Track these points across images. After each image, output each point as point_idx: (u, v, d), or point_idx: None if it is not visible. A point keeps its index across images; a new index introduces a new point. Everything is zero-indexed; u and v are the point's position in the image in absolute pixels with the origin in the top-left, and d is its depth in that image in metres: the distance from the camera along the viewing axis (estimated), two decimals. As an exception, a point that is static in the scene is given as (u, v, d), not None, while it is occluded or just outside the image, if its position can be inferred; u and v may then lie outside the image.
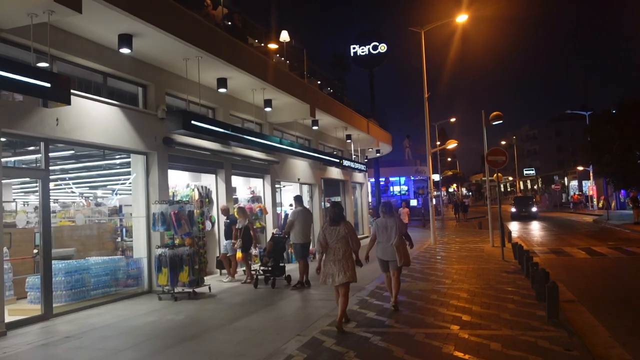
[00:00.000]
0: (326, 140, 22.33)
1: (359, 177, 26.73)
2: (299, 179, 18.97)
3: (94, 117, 9.96)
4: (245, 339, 7.26)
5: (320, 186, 21.17)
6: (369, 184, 34.03)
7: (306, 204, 20.47)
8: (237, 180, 15.94)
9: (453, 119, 46.82)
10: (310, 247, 14.69)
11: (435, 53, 78.31)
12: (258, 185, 16.75)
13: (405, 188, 56.83)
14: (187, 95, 12.56)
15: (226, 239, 12.94)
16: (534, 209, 40.91)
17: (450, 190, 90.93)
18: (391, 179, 51.23)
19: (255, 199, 16.45)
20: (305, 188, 20.67)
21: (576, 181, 64.89)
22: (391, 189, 56.35)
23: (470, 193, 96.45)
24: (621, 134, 30.47)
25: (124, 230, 12.47)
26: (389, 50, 35.45)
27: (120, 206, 12.36)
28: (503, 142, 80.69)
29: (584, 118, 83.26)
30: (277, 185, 18.40)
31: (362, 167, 23.81)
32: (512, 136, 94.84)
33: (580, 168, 53.26)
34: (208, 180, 14.29)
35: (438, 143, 38.39)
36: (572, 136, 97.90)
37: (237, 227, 12.55)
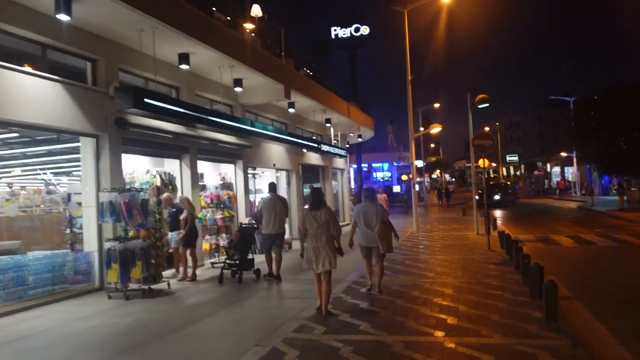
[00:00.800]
0: (304, 124, 21.20)
1: (339, 162, 25.69)
2: (274, 165, 17.86)
3: (29, 93, 8.71)
4: (193, 352, 6.18)
5: (298, 172, 20.09)
6: (350, 169, 33.09)
7: (283, 191, 19.42)
8: (205, 166, 14.78)
9: (437, 105, 45.83)
10: (286, 235, 13.67)
11: (419, 35, 77.35)
12: (229, 171, 15.60)
13: (389, 174, 56.06)
14: (145, 73, 11.31)
15: (171, 230, 11.51)
16: (497, 197, 39.12)
17: (434, 176, 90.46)
18: (374, 164, 50.34)
19: (226, 185, 15.31)
20: (283, 174, 19.57)
21: (559, 167, 64.69)
22: (374, 175, 55.53)
23: (453, 179, 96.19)
24: (607, 121, 29.82)
25: (77, 221, 11.24)
26: (371, 33, 34.32)
27: (69, 194, 11.10)
28: (487, 128, 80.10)
29: (567, 105, 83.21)
30: (251, 172, 17.30)
31: (343, 152, 22.75)
32: (495, 122, 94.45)
33: (563, 154, 52.76)
34: (172, 165, 13.11)
35: (422, 128, 37.45)
36: (555, 123, 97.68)
37: (181, 217, 11.28)
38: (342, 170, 26.82)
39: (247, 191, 15.66)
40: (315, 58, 39.07)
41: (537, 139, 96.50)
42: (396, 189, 48.79)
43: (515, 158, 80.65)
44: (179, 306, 8.84)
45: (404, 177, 38.68)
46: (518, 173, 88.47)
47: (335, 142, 25.36)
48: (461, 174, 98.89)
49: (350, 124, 23.68)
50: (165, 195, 11.39)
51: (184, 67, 11.84)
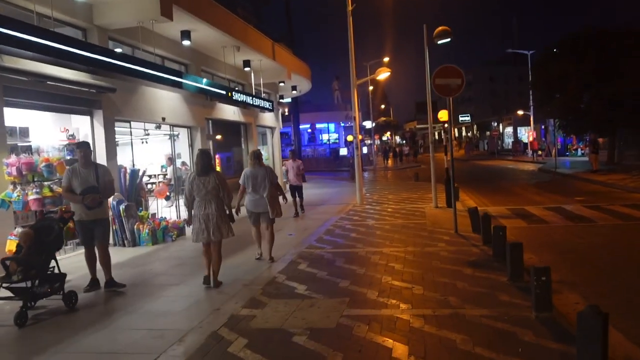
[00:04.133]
0: (214, 66, 16.21)
1: (267, 119, 20.90)
2: (163, 119, 12.96)
3: None
4: None
5: (205, 130, 15.26)
6: (284, 128, 28.46)
7: (185, 155, 14.61)
8: (38, 117, 9.81)
9: (386, 59, 41.20)
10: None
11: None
12: (83, 126, 10.67)
13: (336, 136, 51.63)
14: None
15: None
16: None
17: (384, 138, 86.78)
18: (318, 125, 45.66)
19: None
20: (183, 133, 14.71)
21: (511, 127, 62.15)
22: (320, 137, 50.97)
23: (404, 141, 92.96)
24: (577, 70, 26.16)
25: None
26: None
27: None
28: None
29: (518, 63, 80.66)
30: (164, 132, 12.57)
31: (267, 104, 17.92)
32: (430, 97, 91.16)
33: (520, 112, 49.77)
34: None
35: (369, 80, 32.94)
36: (506, 81, 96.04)
37: None
38: (272, 129, 22.09)
39: (112, 155, 10.78)
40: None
41: (489, 99, 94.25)
42: (343, 151, 44.45)
43: (468, 118, 77.80)
44: None
45: (350, 138, 34.30)
46: (470, 134, 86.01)
47: (263, 93, 20.51)
48: (412, 136, 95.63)
49: (278, 70, 18.83)
50: None
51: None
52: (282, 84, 20.72)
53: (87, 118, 10.59)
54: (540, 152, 44.77)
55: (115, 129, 11.48)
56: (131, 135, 12.31)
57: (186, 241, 11.02)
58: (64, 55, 8.69)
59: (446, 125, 18.59)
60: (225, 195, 7.01)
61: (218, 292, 6.59)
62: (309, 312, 5.61)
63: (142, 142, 14.47)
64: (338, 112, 46.59)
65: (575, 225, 11.36)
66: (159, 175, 13.81)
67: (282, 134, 44.77)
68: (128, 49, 12.16)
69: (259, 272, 7.68)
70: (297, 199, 14.45)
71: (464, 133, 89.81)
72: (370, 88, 51.14)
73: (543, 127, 48.94)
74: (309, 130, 47.88)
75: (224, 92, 14.13)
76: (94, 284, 6.95)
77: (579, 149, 41.95)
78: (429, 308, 5.56)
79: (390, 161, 48.77)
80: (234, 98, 14.76)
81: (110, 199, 10.40)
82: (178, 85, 12.07)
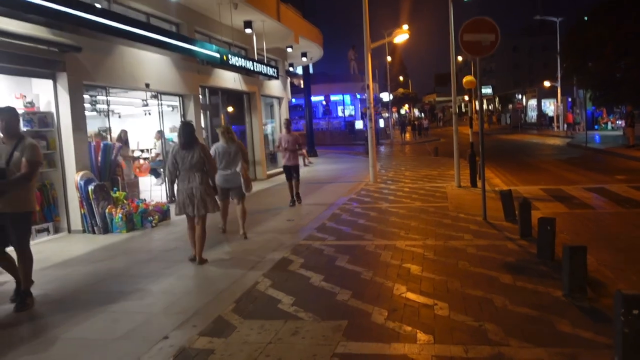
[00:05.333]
0: (211, 28, 14.44)
1: (274, 88, 19.14)
2: (147, 85, 11.31)
3: None
4: None
5: (199, 98, 13.59)
6: (298, 100, 26.75)
7: (168, 126, 13.02)
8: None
9: (405, 26, 38.53)
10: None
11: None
12: (45, 91, 9.08)
13: (352, 108, 49.53)
14: None
15: None
16: None
17: (402, 111, 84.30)
18: (332, 97, 43.60)
19: (40, 119, 8.89)
20: (174, 102, 13.08)
21: (535, 100, 59.43)
22: (338, 110, 48.91)
23: (422, 114, 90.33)
24: (614, 34, 23.79)
25: None
26: None
27: None
28: (460, 58, 73.87)
29: (544, 32, 77.07)
30: (116, 96, 10.97)
31: (272, 70, 16.10)
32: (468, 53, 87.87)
33: (547, 84, 47.12)
34: None
35: (386, 45, 30.96)
36: (530, 53, 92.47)
37: None
38: (279, 99, 20.31)
39: (78, 127, 9.19)
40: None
41: (511, 71, 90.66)
42: (359, 124, 42.45)
43: (489, 90, 74.91)
44: None
45: (365, 110, 32.38)
46: (491, 107, 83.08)
47: (268, 60, 18.71)
48: (431, 109, 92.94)
49: (284, 33, 16.97)
50: None
51: None
52: (289, 50, 18.85)
53: (50, 82, 8.98)
54: (577, 126, 42.37)
55: (111, 97, 9.89)
56: (108, 104, 10.70)
57: (168, 227, 9.50)
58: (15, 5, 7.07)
59: (466, 98, 16.68)
60: (210, 169, 6.84)
61: (176, 312, 4.99)
62: (289, 345, 4.01)
63: (146, 114, 12.93)
64: (354, 83, 44.25)
65: (627, 211, 9.54)
66: (151, 150, 12.25)
67: (295, 106, 43.14)
68: (105, 3, 10.46)
69: (238, 276, 6.09)
70: (294, 182, 11.46)
71: (485, 106, 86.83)
72: (389, 59, 48.86)
73: (570, 99, 46.40)
74: (324, 103, 45.87)
75: (217, 55, 12.36)
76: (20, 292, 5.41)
77: (609, 122, 39.49)
78: (459, 343, 3.91)
79: (408, 135, 46.76)
80: (230, 62, 12.98)
81: (77, 177, 8.89)
82: (155, 43, 10.35)
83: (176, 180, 6.85)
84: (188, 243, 7.05)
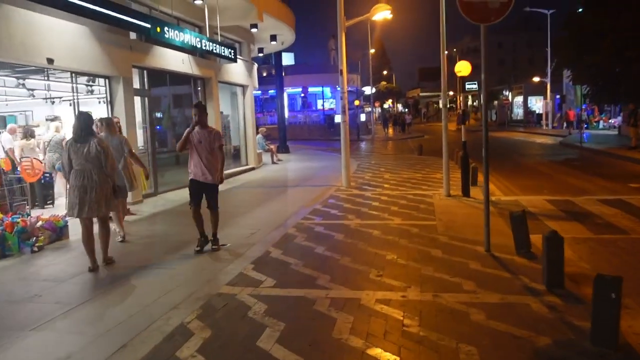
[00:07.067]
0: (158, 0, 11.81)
1: (236, 74, 16.55)
2: (50, 61, 8.69)
3: None
4: None
5: (131, 81, 11.00)
6: (268, 91, 24.27)
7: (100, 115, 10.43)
8: None
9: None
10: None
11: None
12: None
13: (333, 101, 46.98)
14: None
15: None
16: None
17: (385, 106, 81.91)
18: (311, 89, 41.02)
19: None
20: (96, 85, 10.48)
21: (521, 97, 57.65)
22: (319, 103, 46.30)
23: (406, 109, 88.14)
24: (614, 25, 21.66)
25: None
26: None
27: None
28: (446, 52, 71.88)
29: (530, 28, 75.47)
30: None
31: (227, 51, 13.46)
32: (452, 49, 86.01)
33: (536, 79, 45.22)
34: None
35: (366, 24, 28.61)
36: (515, 49, 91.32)
37: None
38: (243, 87, 17.74)
39: None
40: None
41: (496, 67, 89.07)
42: (339, 118, 39.95)
43: (475, 86, 72.91)
44: None
45: (357, 102, 30.05)
46: (476, 103, 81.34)
47: (231, 41, 16.10)
48: (415, 104, 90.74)
49: (244, 8, 14.33)
50: None
51: None
52: (254, 30, 16.26)
53: None
54: (556, 124, 40.51)
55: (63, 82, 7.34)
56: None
57: (58, 252, 6.98)
58: None
59: (450, 93, 14.38)
60: (107, 165, 6.12)
61: None
62: None
63: (47, 101, 10.36)
64: (334, 74, 41.85)
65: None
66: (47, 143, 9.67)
67: (271, 98, 40.52)
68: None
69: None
70: (211, 214, 6.97)
71: (469, 102, 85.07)
72: (372, 51, 46.46)
73: (558, 96, 44.63)
74: (302, 95, 43.28)
75: (147, 26, 9.72)
76: None
77: (601, 121, 37.62)
78: None
79: (390, 130, 44.51)
80: (166, 36, 10.35)
81: None
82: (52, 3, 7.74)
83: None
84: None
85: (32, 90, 11.42)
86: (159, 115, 13.11)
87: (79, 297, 5.19)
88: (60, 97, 12.22)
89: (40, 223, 7.31)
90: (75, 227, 7.84)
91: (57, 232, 7.47)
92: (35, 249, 6.88)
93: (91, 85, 10.83)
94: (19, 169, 8.69)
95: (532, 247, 6.15)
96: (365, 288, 5.04)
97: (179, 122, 14.14)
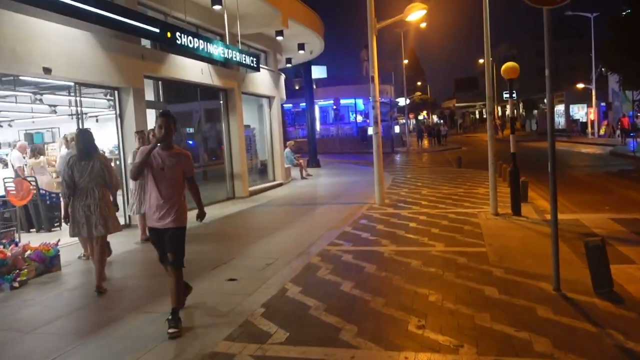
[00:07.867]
0: (170, 4, 10.98)
1: (261, 84, 15.61)
2: (47, 70, 7.84)
3: None
4: None
5: (142, 93, 10.12)
6: (283, 98, 23.37)
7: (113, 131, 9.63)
8: None
9: (423, 24, 34.15)
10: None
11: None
12: None
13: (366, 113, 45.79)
14: None
15: None
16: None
17: (420, 117, 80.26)
18: (343, 101, 39.95)
19: None
20: (102, 99, 9.63)
21: (562, 105, 55.25)
22: (351, 115, 45.22)
23: (441, 121, 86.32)
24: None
25: None
26: None
27: None
28: (481, 61, 69.96)
29: (572, 35, 72.92)
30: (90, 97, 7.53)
31: (249, 59, 12.50)
32: (489, 57, 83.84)
33: (580, 85, 43.04)
34: None
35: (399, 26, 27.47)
36: (555, 57, 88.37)
37: None
38: (269, 98, 16.79)
39: None
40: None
41: (535, 75, 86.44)
42: (371, 131, 38.77)
43: (513, 95, 70.73)
44: None
45: (391, 114, 28.84)
46: (515, 112, 78.84)
47: (255, 50, 15.19)
48: (451, 115, 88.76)
49: (268, 14, 13.40)
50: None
51: None
52: (280, 38, 15.34)
53: None
54: (602, 132, 38.22)
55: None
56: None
57: (43, 288, 6.01)
58: None
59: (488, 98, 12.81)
60: (111, 182, 5.99)
61: None
62: None
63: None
64: (366, 85, 40.89)
65: None
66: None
67: (302, 111, 39.64)
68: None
69: None
70: (172, 269, 4.79)
71: (507, 112, 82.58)
72: (405, 62, 45.14)
73: (603, 103, 42.37)
74: (334, 107, 42.29)
75: (156, 30, 8.81)
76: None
77: (652, 129, 35.29)
78: None
79: (425, 142, 43.00)
80: (178, 42, 9.43)
81: None
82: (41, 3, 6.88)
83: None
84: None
85: (54, 106, 10.76)
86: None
87: (42, 355, 4.14)
88: (86, 113, 11.52)
89: (28, 253, 6.38)
90: (67, 255, 6.94)
91: (46, 263, 6.52)
92: (16, 284, 5.93)
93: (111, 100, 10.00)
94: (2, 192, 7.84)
95: (614, 284, 4.85)
96: (403, 347, 3.84)
97: (203, 138, 13.22)
